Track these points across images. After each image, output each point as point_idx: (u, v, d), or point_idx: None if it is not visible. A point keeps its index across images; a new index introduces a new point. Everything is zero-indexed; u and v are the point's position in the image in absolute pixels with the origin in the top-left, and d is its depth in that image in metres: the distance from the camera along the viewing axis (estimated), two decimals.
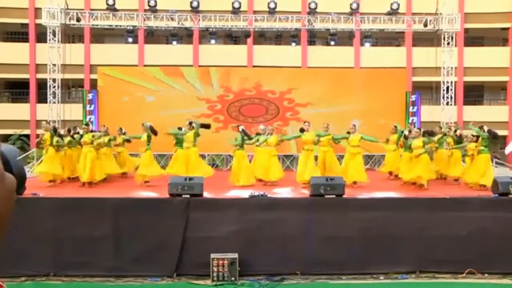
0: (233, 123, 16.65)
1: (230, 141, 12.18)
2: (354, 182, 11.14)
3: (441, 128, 14.23)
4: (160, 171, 11.69)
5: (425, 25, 17.82)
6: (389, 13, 17.52)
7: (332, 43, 18.01)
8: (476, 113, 23.18)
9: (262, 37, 18.58)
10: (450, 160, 12.29)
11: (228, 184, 11.39)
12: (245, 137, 11.67)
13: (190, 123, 12.09)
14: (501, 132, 22.10)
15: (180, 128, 12.45)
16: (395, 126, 13.02)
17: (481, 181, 10.64)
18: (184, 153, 11.82)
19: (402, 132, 12.20)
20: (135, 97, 17.15)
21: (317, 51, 23.31)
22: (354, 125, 11.76)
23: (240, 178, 11.32)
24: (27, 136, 22.39)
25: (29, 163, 17.41)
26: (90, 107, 17.06)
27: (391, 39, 24.05)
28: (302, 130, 11.57)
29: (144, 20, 17.70)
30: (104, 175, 11.81)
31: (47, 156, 11.30)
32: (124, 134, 13.41)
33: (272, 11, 17.41)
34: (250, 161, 12.10)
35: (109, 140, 12.63)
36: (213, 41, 18.14)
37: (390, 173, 13.29)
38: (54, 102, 17.88)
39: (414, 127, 13.52)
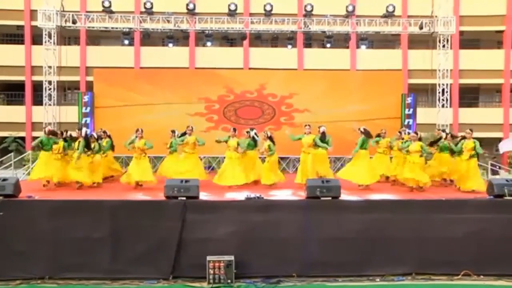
0: (225, 124, 16.80)
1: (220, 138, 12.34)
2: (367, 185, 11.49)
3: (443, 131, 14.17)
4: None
5: (421, 28, 17.91)
6: (384, 16, 17.61)
7: (328, 45, 18.06)
8: (471, 115, 23.32)
9: (258, 39, 18.59)
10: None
11: (221, 185, 11.46)
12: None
13: (191, 129, 12.41)
14: (496, 134, 22.34)
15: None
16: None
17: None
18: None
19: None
20: (132, 99, 17.11)
21: (313, 54, 23.36)
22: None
23: (228, 179, 11.53)
24: (23, 138, 22.29)
25: (24, 165, 17.35)
26: (86, 109, 17.02)
27: (387, 41, 24.12)
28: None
29: (140, 22, 17.70)
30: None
31: (42, 161, 11.28)
32: (109, 137, 12.96)
33: (268, 13, 17.44)
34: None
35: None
36: (209, 43, 18.14)
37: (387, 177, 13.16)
38: (50, 104, 17.85)
39: (406, 130, 13.66)
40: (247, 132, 12.35)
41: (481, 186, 10.56)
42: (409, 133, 12.24)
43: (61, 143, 11.42)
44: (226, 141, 11.94)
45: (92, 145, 11.63)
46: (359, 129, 11.71)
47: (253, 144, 12.08)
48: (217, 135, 13.68)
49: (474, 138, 11.08)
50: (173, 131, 12.65)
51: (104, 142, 12.75)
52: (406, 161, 11.31)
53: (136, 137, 11.61)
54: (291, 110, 17.41)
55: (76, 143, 11.40)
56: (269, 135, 11.91)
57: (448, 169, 11.92)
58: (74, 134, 11.91)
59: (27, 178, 11.80)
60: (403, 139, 12.20)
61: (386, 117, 16.96)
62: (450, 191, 11.03)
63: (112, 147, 13.05)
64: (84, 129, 11.75)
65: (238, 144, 11.78)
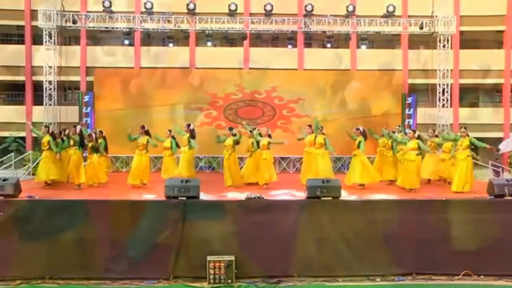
0: (221, 121, 16.86)
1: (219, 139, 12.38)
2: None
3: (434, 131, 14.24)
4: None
5: (421, 28, 17.93)
6: (385, 16, 17.63)
7: (329, 45, 18.07)
8: (472, 115, 23.28)
9: (259, 39, 18.58)
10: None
11: (225, 186, 11.58)
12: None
13: (188, 126, 12.40)
14: (496, 134, 22.28)
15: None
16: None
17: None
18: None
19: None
20: (132, 99, 17.13)
21: (313, 53, 23.32)
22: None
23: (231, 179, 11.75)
24: (23, 138, 22.28)
25: (25, 165, 17.36)
26: (86, 109, 17.04)
27: (387, 41, 24.09)
28: None
29: (141, 22, 17.72)
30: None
31: (45, 161, 11.31)
32: (103, 138, 12.74)
33: (268, 13, 17.46)
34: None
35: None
36: (209, 43, 18.16)
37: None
38: (50, 104, 17.88)
39: (401, 129, 13.76)
40: (250, 131, 12.31)
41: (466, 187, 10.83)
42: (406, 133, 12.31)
43: (46, 138, 11.43)
44: (224, 141, 11.93)
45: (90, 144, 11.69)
46: (357, 129, 11.70)
47: (257, 144, 12.01)
48: (211, 132, 13.72)
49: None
50: (170, 131, 12.64)
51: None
52: (402, 159, 11.40)
53: (140, 134, 11.75)
54: (292, 115, 17.45)
55: (72, 140, 11.46)
56: (270, 132, 11.94)
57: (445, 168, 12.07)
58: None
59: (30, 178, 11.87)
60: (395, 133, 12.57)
61: (386, 117, 16.98)
62: (449, 191, 11.04)
63: (106, 148, 12.88)
64: (78, 127, 11.74)
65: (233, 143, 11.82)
